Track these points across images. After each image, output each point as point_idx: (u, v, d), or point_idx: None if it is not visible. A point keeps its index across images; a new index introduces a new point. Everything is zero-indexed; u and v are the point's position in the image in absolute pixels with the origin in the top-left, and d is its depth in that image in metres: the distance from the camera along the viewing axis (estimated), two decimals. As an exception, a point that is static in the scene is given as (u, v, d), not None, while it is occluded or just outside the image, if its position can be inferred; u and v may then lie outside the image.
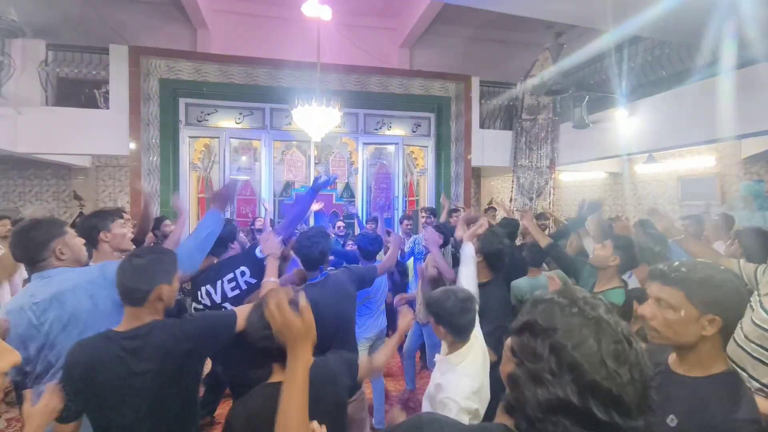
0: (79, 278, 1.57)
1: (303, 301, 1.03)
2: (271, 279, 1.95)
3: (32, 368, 1.47)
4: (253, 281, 2.13)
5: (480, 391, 1.52)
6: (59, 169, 7.33)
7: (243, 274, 2.15)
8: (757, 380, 1.77)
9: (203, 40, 6.89)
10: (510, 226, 3.45)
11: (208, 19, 6.68)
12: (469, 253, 2.08)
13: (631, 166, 6.86)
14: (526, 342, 0.67)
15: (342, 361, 1.44)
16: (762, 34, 3.18)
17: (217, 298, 2.10)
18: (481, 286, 2.10)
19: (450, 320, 1.57)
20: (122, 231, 1.97)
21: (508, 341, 0.72)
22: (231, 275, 2.13)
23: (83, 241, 1.75)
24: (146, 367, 1.32)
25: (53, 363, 1.47)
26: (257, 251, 2.13)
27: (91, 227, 1.91)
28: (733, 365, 1.08)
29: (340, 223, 5.22)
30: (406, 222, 5.12)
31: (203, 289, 2.12)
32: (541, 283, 2.72)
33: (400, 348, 3.26)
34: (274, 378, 1.22)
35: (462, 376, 1.51)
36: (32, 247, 1.59)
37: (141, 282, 1.37)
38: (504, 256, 2.31)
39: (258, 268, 2.10)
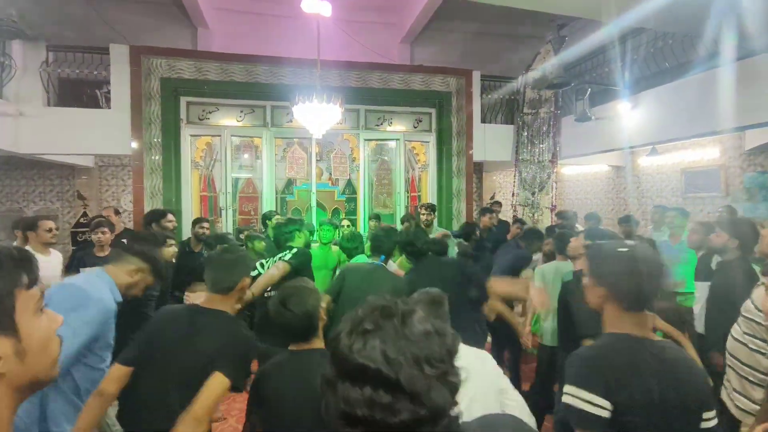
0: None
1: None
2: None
3: None
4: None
5: None
6: (63, 170, 7.37)
7: (285, 255, 2.70)
8: (751, 367, 1.80)
9: (204, 39, 6.89)
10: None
11: (208, 17, 6.67)
12: None
13: (634, 158, 6.83)
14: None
15: None
16: (764, 24, 3.16)
17: None
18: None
19: None
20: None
21: None
22: (281, 254, 2.72)
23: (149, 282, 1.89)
24: (199, 345, 1.50)
25: None
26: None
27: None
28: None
29: (345, 221, 5.22)
30: (406, 225, 5.02)
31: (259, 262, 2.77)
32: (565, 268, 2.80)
33: None
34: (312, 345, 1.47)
35: None
36: None
37: (231, 274, 1.62)
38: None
39: (300, 256, 2.72)
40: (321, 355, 1.46)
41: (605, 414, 1.05)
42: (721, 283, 2.48)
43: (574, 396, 1.09)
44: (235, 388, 1.50)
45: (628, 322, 1.16)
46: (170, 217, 3.98)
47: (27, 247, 3.22)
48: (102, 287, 1.66)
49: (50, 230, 3.26)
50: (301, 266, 2.69)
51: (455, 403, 0.62)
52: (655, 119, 5.13)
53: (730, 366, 1.94)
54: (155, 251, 1.90)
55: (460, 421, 0.65)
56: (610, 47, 5.41)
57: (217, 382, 1.42)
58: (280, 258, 2.74)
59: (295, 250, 2.76)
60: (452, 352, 0.62)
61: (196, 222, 4.05)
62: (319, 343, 1.51)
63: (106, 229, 3.29)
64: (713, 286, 2.56)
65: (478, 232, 4.16)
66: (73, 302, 1.54)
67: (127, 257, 1.79)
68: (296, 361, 1.46)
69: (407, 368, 0.57)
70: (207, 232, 3.99)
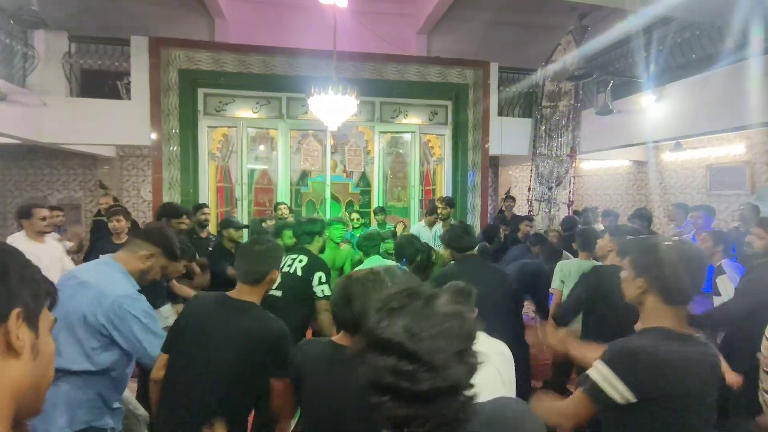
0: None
1: None
2: None
3: None
4: (300, 274, 2.65)
5: None
6: (85, 159, 7.55)
7: (301, 261, 2.69)
8: None
9: (221, 30, 6.92)
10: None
11: (225, 8, 6.69)
12: None
13: (657, 154, 6.63)
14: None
15: None
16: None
17: None
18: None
19: None
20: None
21: None
22: (293, 257, 2.70)
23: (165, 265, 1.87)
24: (230, 329, 1.51)
25: None
26: None
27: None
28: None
29: (355, 215, 5.20)
30: (427, 218, 4.99)
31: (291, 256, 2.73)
32: (589, 266, 2.72)
33: None
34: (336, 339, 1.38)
35: None
36: None
37: (261, 266, 1.61)
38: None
39: (310, 266, 2.66)
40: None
41: (621, 401, 1.09)
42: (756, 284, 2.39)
43: (603, 375, 1.12)
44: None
45: (668, 316, 1.17)
46: (206, 210, 4.00)
47: (22, 235, 3.28)
48: (113, 277, 1.64)
49: (44, 218, 3.25)
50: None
51: (471, 385, 0.67)
52: (680, 113, 4.95)
53: (765, 370, 1.87)
54: (166, 232, 1.85)
55: (475, 401, 0.70)
56: (635, 37, 5.22)
57: (277, 385, 1.50)
58: (289, 265, 2.71)
59: (306, 260, 2.72)
60: (472, 335, 0.68)
61: (198, 208, 3.99)
62: None
63: (121, 217, 3.33)
64: (746, 287, 2.46)
65: (501, 235, 4.14)
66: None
67: (137, 243, 1.76)
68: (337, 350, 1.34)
69: (428, 342, 0.63)
70: (209, 218, 4.03)
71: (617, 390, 1.09)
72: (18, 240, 3.24)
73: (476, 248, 2.72)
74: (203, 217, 3.93)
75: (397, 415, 0.64)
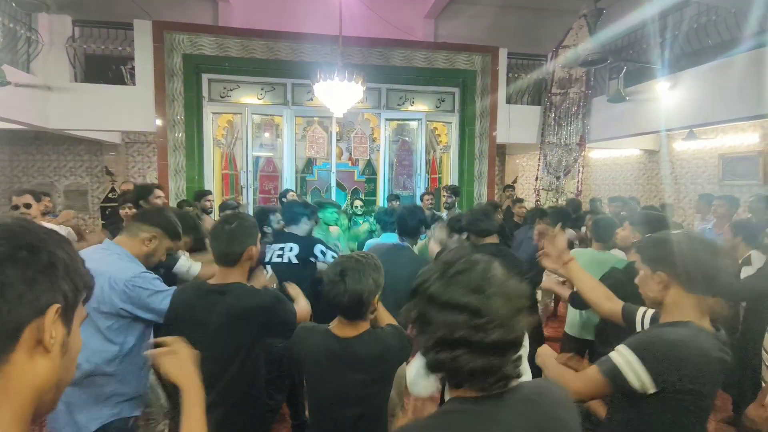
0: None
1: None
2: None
3: None
4: (296, 262, 2.55)
5: None
6: (91, 145, 7.55)
7: (291, 249, 2.58)
8: None
9: (224, 13, 6.82)
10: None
11: (229, -9, 6.58)
12: None
13: (669, 142, 6.49)
14: (411, 303, 0.79)
15: (395, 332, 1.48)
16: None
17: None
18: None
19: None
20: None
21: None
22: (281, 246, 2.59)
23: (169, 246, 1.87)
24: (216, 316, 1.50)
25: None
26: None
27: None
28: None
29: (358, 202, 5.18)
30: (427, 197, 5.07)
31: (278, 246, 2.61)
32: (604, 258, 2.54)
33: None
34: (334, 328, 1.42)
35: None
36: None
37: (235, 245, 1.55)
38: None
39: (305, 249, 2.57)
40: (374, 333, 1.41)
41: (638, 387, 1.09)
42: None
43: (627, 360, 1.10)
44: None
45: (693, 307, 1.16)
46: (158, 192, 3.96)
47: None
48: (117, 263, 1.66)
49: (17, 207, 3.19)
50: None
51: (522, 343, 0.75)
52: (695, 100, 4.81)
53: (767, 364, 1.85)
54: (166, 213, 1.86)
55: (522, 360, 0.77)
56: (650, 22, 5.06)
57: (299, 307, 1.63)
58: (279, 255, 2.60)
59: (297, 247, 2.62)
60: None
61: (201, 195, 4.09)
62: (365, 328, 1.41)
63: (132, 204, 3.34)
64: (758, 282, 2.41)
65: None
66: None
67: (137, 225, 1.76)
68: (337, 346, 1.38)
69: (498, 299, 0.71)
70: (213, 204, 4.06)
71: (639, 378, 1.08)
72: None
73: (496, 234, 2.51)
74: (207, 203, 3.97)
75: (474, 366, 0.70)
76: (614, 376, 1.11)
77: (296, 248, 2.59)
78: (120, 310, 1.61)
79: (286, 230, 2.77)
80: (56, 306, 0.51)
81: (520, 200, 5.46)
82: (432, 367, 0.75)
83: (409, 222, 2.48)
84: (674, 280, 1.17)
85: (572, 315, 2.68)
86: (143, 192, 3.37)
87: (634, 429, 1.14)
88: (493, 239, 2.43)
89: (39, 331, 0.50)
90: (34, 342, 0.50)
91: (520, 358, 0.75)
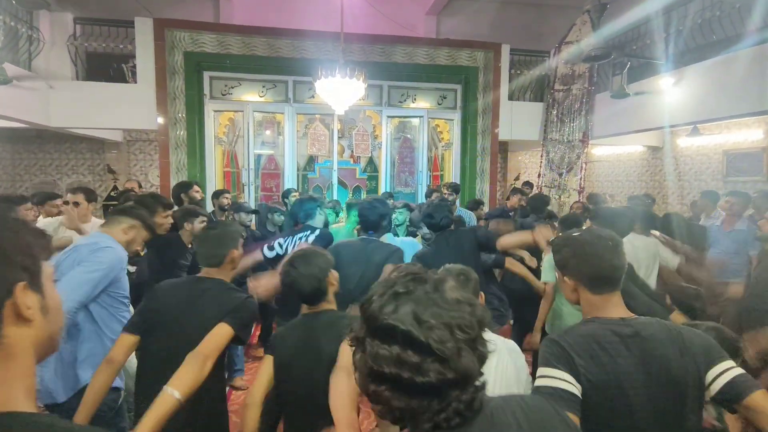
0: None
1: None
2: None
3: None
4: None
5: None
6: (93, 144, 7.56)
7: (309, 236, 2.67)
8: None
9: (226, 11, 6.80)
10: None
11: (230, -12, 6.56)
12: None
13: (672, 139, 6.45)
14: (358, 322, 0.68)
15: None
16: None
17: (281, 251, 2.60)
18: None
19: None
20: (163, 221, 2.41)
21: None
22: (302, 234, 2.67)
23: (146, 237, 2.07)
24: (201, 309, 1.57)
25: None
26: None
27: (142, 206, 2.24)
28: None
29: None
30: (435, 195, 5.05)
31: (277, 241, 2.68)
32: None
33: None
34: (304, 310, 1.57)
35: None
36: None
37: (219, 248, 1.68)
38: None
39: (321, 238, 2.63)
40: (331, 316, 1.54)
41: (575, 390, 1.03)
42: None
43: (544, 376, 1.06)
44: (239, 340, 1.60)
45: (598, 306, 1.14)
46: (196, 188, 4.10)
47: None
48: (106, 239, 1.86)
49: (69, 203, 3.24)
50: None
51: (481, 373, 0.64)
52: (699, 96, 4.78)
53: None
54: (140, 210, 2.08)
55: (485, 392, 0.66)
56: (654, 17, 5.03)
57: (222, 329, 1.52)
58: (300, 239, 2.67)
59: (318, 231, 2.70)
60: (482, 323, 0.64)
61: (219, 194, 4.17)
62: (329, 307, 1.57)
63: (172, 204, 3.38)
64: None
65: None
66: (78, 256, 1.78)
67: (117, 217, 1.97)
68: (307, 321, 1.54)
69: (438, 331, 0.59)
70: (229, 202, 4.10)
71: (562, 379, 1.04)
72: None
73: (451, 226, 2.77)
74: (225, 201, 4.03)
75: (395, 407, 0.61)
76: (552, 394, 1.03)
77: (312, 237, 2.71)
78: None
79: (306, 224, 2.85)
80: (21, 283, 0.56)
81: (523, 192, 5.37)
82: (367, 396, 0.64)
83: (369, 217, 2.52)
84: (580, 284, 1.16)
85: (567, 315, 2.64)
86: (184, 187, 3.90)
87: None
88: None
89: (16, 307, 0.55)
90: (16, 316, 0.56)
91: (476, 389, 0.63)
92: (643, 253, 2.71)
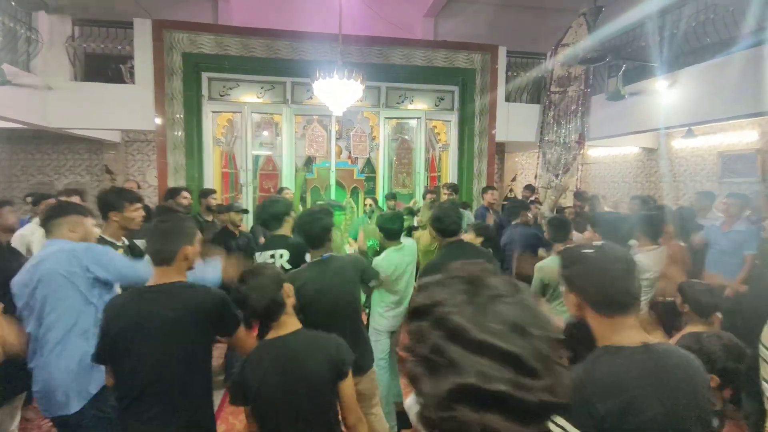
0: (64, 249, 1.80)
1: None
2: None
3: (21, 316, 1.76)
4: (288, 267, 2.33)
5: None
6: (91, 144, 7.56)
7: (281, 256, 2.39)
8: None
9: (224, 12, 6.83)
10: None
11: (229, -10, 6.58)
12: None
13: (668, 140, 6.50)
14: (414, 328, 0.57)
15: (329, 341, 1.51)
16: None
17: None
18: None
19: None
20: (133, 215, 2.20)
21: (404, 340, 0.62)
22: (271, 253, 2.40)
23: (94, 223, 1.98)
24: (159, 316, 1.46)
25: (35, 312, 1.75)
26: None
27: (107, 204, 2.13)
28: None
29: (368, 201, 5.22)
30: (429, 196, 5.11)
31: (269, 252, 2.41)
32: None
33: None
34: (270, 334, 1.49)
35: None
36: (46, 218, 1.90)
37: (168, 244, 1.52)
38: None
39: (296, 257, 2.34)
40: (308, 336, 1.49)
41: None
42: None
43: (561, 428, 0.95)
44: (226, 329, 1.59)
45: (610, 329, 1.07)
46: (185, 193, 4.10)
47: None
48: (65, 243, 1.80)
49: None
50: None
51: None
52: (694, 99, 4.83)
53: (764, 358, 1.85)
54: (71, 204, 2.03)
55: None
56: (649, 20, 5.07)
57: (240, 332, 1.58)
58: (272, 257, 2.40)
59: (289, 250, 2.43)
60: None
61: (206, 194, 4.15)
62: (292, 323, 1.48)
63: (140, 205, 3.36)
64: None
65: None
66: (77, 262, 1.77)
67: (55, 221, 1.85)
68: (283, 342, 1.44)
69: (541, 343, 0.52)
70: (217, 202, 4.10)
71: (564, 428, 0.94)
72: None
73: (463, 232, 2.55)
74: (212, 201, 4.01)
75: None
76: None
77: (286, 254, 2.41)
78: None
79: (275, 233, 2.56)
80: None
81: (526, 207, 5.33)
82: (428, 423, 0.54)
83: (314, 230, 2.07)
84: (586, 305, 1.10)
85: None
86: (172, 193, 3.92)
87: None
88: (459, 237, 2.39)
89: None
90: None
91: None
92: (653, 269, 2.47)
